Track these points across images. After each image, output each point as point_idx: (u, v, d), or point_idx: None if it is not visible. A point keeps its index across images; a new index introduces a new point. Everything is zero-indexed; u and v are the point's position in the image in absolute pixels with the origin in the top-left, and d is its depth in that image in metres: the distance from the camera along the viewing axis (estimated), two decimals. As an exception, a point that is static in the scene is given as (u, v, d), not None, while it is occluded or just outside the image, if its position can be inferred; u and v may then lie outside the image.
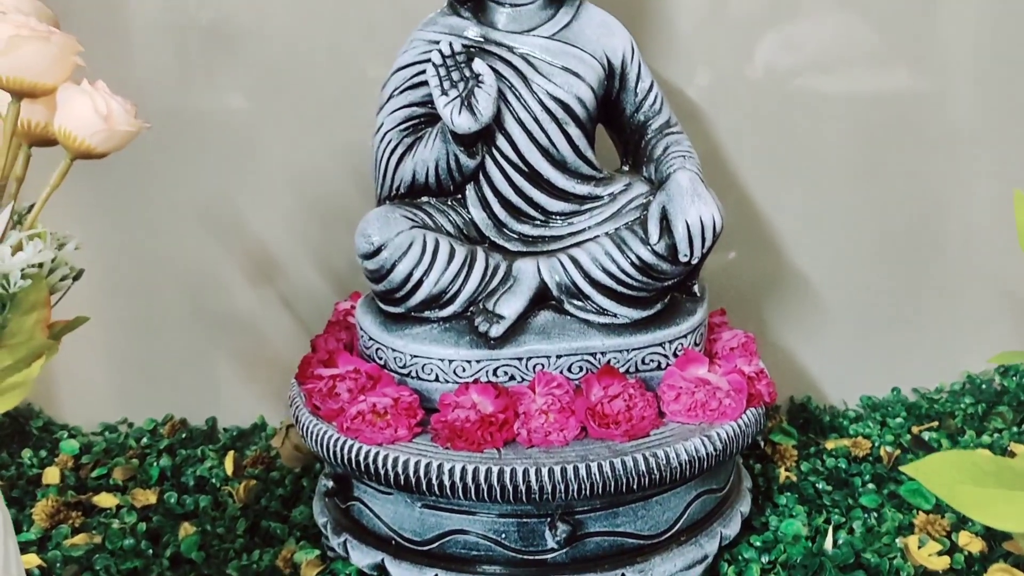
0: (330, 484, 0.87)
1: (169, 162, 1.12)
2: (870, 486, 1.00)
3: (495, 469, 0.76)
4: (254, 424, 1.22)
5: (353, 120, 1.09)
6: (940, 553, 0.88)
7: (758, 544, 0.91)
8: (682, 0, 1.08)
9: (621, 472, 0.77)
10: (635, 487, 0.78)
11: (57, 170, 0.62)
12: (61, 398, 1.23)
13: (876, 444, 1.07)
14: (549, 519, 0.79)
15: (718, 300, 1.05)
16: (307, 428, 0.85)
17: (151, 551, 0.95)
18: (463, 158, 0.86)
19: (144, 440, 1.18)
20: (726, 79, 1.11)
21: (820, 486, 1.01)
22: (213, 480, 1.08)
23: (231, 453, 1.12)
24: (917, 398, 1.19)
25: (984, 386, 1.18)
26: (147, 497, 1.05)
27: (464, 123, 0.82)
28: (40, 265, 0.59)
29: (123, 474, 1.10)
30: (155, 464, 1.11)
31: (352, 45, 1.11)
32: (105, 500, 1.05)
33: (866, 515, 0.96)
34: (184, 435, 1.19)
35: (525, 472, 0.76)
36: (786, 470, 1.04)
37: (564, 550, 0.80)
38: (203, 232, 1.17)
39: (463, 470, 0.77)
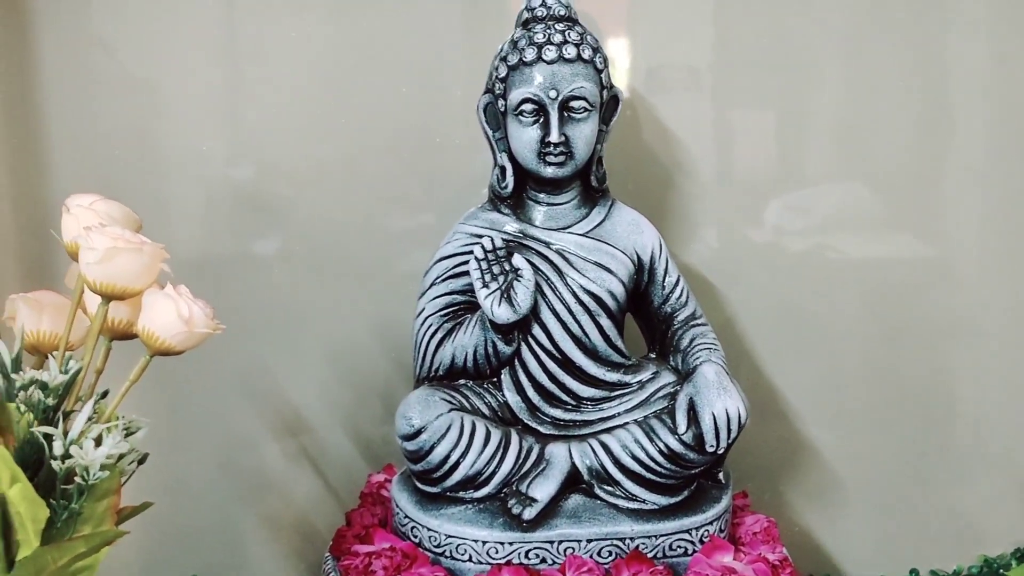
0: (362, 662, 0.88)
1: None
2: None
3: (527, 655, 0.78)
4: (277, 587, 1.23)
5: (389, 298, 1.15)
6: None
7: None
8: (694, 170, 1.15)
9: (651, 662, 0.79)
10: (664, 677, 0.79)
11: (136, 366, 0.68)
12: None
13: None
14: None
15: (737, 473, 1.08)
16: (343, 605, 0.87)
17: None
18: (500, 345, 0.92)
19: (169, 604, 1.19)
20: (736, 248, 1.17)
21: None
22: (238, 648, 1.09)
23: (256, 620, 1.13)
24: (937, 581, 1.20)
25: (1001, 570, 1.19)
26: (173, 665, 1.06)
27: (503, 314, 0.88)
28: (119, 458, 0.63)
29: (149, 639, 1.11)
30: (180, 630, 1.12)
31: (387, 223, 1.18)
32: (131, 667, 1.06)
33: None
34: (209, 599, 1.20)
35: (557, 659, 0.78)
36: (808, 655, 1.05)
37: None
38: (240, 397, 1.21)
39: (496, 655, 0.79)
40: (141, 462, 0.70)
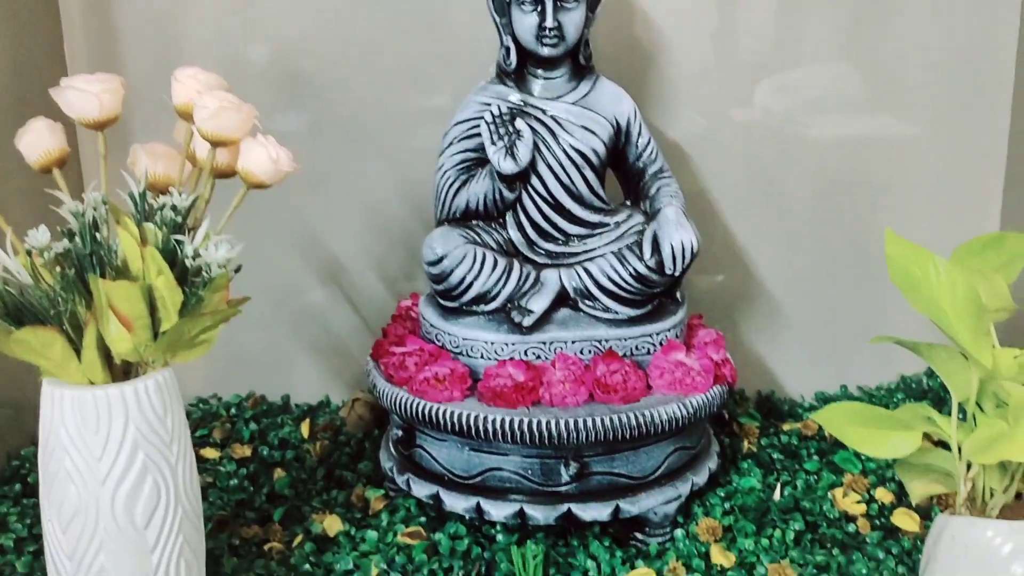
0: (400, 434, 1.14)
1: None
2: (814, 457, 1.28)
3: (525, 421, 1.04)
4: (320, 401, 1.49)
5: (409, 166, 1.36)
6: (859, 502, 1.16)
7: (721, 493, 1.19)
8: (683, 48, 1.34)
9: (618, 426, 1.04)
10: (628, 438, 1.05)
11: (237, 195, 0.91)
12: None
13: (821, 427, 1.34)
14: (564, 460, 1.07)
15: (701, 309, 1.33)
16: (383, 392, 1.13)
17: (252, 488, 1.23)
18: (505, 192, 1.15)
19: (232, 411, 1.45)
20: (717, 125, 1.37)
21: (775, 455, 1.28)
22: (293, 440, 1.36)
23: (306, 421, 1.40)
24: (860, 394, 1.46)
25: (914, 385, 1.45)
26: (243, 451, 1.32)
27: (508, 166, 1.11)
28: (228, 261, 0.87)
29: (220, 434, 1.37)
30: (245, 428, 1.39)
31: (406, 102, 1.37)
32: (209, 453, 1.32)
33: (808, 476, 1.23)
34: (264, 408, 1.46)
35: (547, 424, 1.04)
36: (749, 443, 1.31)
37: (574, 484, 1.07)
38: (287, 245, 1.44)
39: (501, 421, 1.04)
40: (237, 271, 0.94)
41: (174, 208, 0.86)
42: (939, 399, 1.39)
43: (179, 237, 0.86)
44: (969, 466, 0.85)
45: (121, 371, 0.86)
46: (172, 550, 0.86)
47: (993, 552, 0.82)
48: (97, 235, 0.85)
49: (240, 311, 0.88)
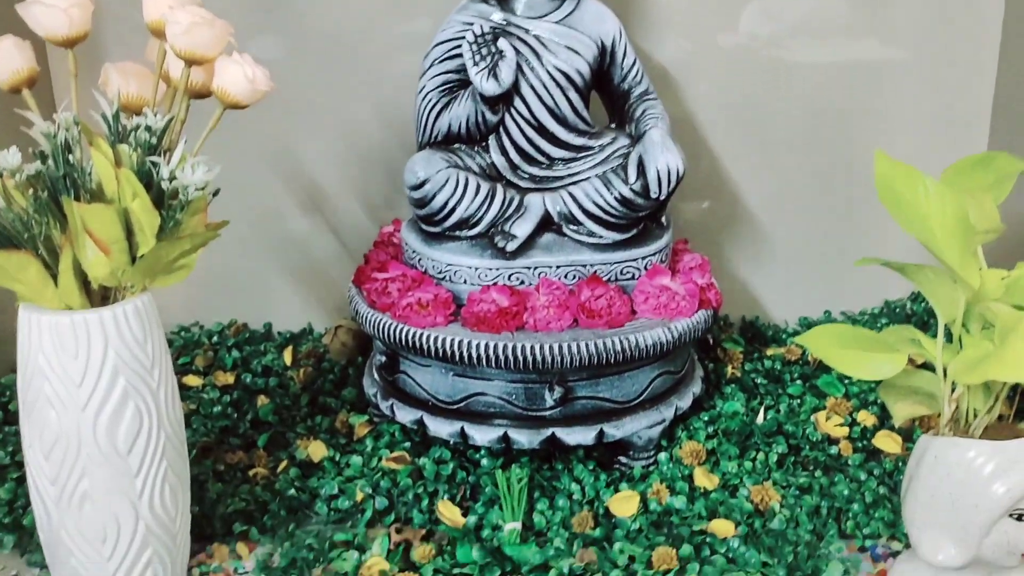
0: (383, 360, 1.14)
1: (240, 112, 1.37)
2: (797, 381, 1.28)
3: (509, 346, 1.03)
4: (303, 328, 1.48)
5: (390, 91, 1.33)
6: (842, 425, 1.16)
7: (705, 417, 1.19)
8: None
9: (602, 350, 1.04)
10: (612, 363, 1.05)
11: (212, 117, 0.89)
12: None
13: (805, 351, 1.35)
14: (548, 384, 1.06)
15: (687, 235, 1.32)
16: (366, 318, 1.12)
17: (235, 415, 1.23)
18: (488, 115, 1.12)
19: (215, 339, 1.44)
20: (702, 49, 1.35)
21: (758, 380, 1.28)
22: (276, 368, 1.35)
23: (289, 348, 1.39)
24: (844, 319, 1.47)
25: (898, 310, 1.45)
26: (226, 378, 1.31)
27: (490, 88, 1.08)
28: (205, 184, 0.85)
29: (203, 362, 1.36)
30: (227, 356, 1.38)
31: (387, 26, 1.34)
32: (192, 380, 1.31)
33: (791, 400, 1.23)
34: (246, 335, 1.45)
35: (531, 348, 1.03)
36: (733, 369, 1.31)
37: (558, 408, 1.08)
38: (268, 171, 1.42)
39: (485, 346, 1.04)
40: (215, 194, 0.92)
41: (148, 129, 0.84)
42: (923, 323, 1.39)
43: (154, 159, 0.83)
44: (954, 387, 0.86)
45: (99, 296, 0.85)
46: (156, 475, 0.86)
47: (975, 472, 0.83)
48: (70, 157, 0.82)
49: (219, 235, 0.86)
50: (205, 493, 1.06)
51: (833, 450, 1.13)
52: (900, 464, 1.10)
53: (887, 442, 1.13)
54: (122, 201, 0.82)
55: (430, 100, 1.15)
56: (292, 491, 1.07)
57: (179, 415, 0.89)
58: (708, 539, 0.99)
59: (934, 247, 0.80)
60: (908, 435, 1.14)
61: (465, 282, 1.10)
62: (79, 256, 0.81)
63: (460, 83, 1.14)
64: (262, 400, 1.25)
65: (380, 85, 1.36)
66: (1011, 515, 0.83)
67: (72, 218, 0.81)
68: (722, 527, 1.00)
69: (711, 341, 1.35)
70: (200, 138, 0.89)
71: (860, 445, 1.14)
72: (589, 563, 0.95)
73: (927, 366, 0.90)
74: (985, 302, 0.81)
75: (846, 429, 1.16)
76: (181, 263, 0.86)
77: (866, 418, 1.17)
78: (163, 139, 0.85)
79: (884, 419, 1.17)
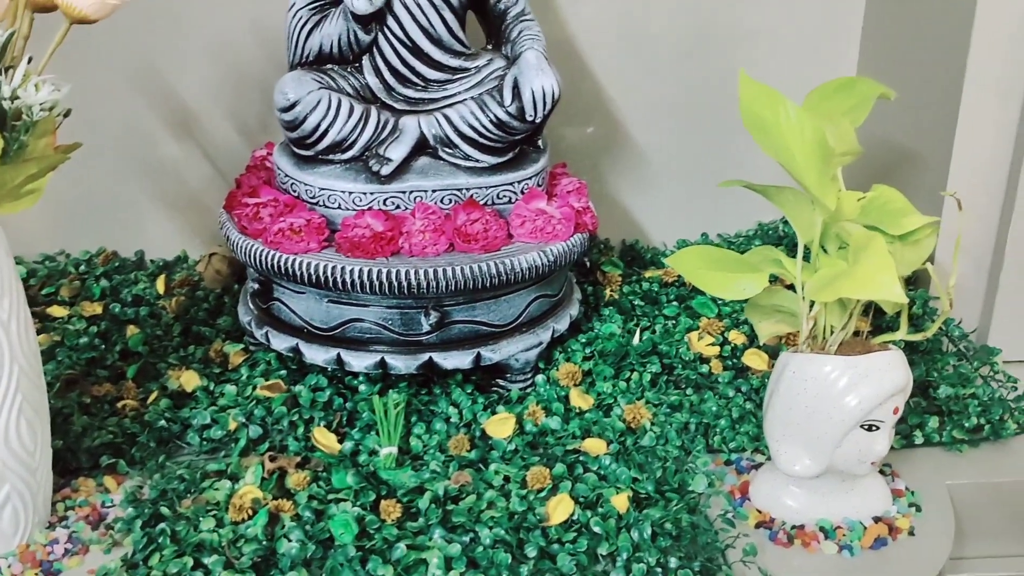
0: (256, 287, 1.11)
1: (104, 29, 1.30)
2: (673, 302, 1.31)
3: (384, 271, 1.02)
4: (177, 256, 1.43)
5: (262, 4, 1.29)
6: (713, 344, 1.19)
7: (583, 340, 1.21)
8: None
9: (478, 275, 1.04)
10: (488, 287, 1.05)
11: (58, 32, 0.84)
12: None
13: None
14: (424, 309, 1.06)
15: (567, 159, 1.32)
16: (237, 244, 1.09)
17: (103, 346, 1.19)
18: (360, 34, 1.09)
19: (82, 268, 1.39)
20: None
21: (636, 302, 1.31)
22: (147, 297, 1.31)
23: (161, 276, 1.35)
24: (720, 241, 1.50)
25: (771, 232, 1.49)
26: (93, 308, 1.27)
27: (362, 6, 1.05)
28: (53, 104, 0.81)
29: (69, 292, 1.31)
30: (95, 285, 1.33)
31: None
32: (57, 311, 1.26)
33: (666, 321, 1.26)
34: (116, 264, 1.40)
35: (407, 273, 1.02)
36: (611, 291, 1.33)
37: (435, 333, 1.07)
38: (133, 91, 1.36)
39: (360, 272, 1.02)
40: (66, 115, 0.87)
41: (-15, 45, 0.79)
42: (794, 245, 1.42)
43: (-6, 77, 0.78)
44: (812, 306, 0.89)
45: (-60, 224, 0.80)
46: (10, 409, 0.83)
47: (830, 385, 0.86)
48: (-101, 74, 0.77)
49: (69, 158, 0.82)
50: (70, 427, 1.03)
51: (704, 369, 1.16)
52: (766, 380, 1.13)
53: (755, 359, 1.16)
54: (-41, 122, 0.77)
55: (300, 18, 1.11)
56: (163, 422, 1.05)
57: (34, 346, 0.86)
58: (581, 457, 1.01)
59: (793, 169, 0.81)
60: (775, 353, 1.17)
61: (339, 207, 1.08)
62: (-85, 181, 0.77)
63: (332, 1, 1.10)
64: (132, 330, 1.21)
65: (253, 2, 1.31)
66: (862, 426, 0.87)
67: (-96, 140, 0.75)
68: (595, 445, 1.03)
69: (588, 264, 1.36)
70: (46, 54, 0.84)
71: (730, 363, 1.17)
72: (464, 485, 0.96)
73: (794, 288, 0.92)
74: (841, 223, 0.83)
75: (717, 348, 1.19)
76: (29, 187, 0.82)
77: (737, 337, 1.21)
78: (3, 56, 0.80)
79: (753, 338, 1.21)
